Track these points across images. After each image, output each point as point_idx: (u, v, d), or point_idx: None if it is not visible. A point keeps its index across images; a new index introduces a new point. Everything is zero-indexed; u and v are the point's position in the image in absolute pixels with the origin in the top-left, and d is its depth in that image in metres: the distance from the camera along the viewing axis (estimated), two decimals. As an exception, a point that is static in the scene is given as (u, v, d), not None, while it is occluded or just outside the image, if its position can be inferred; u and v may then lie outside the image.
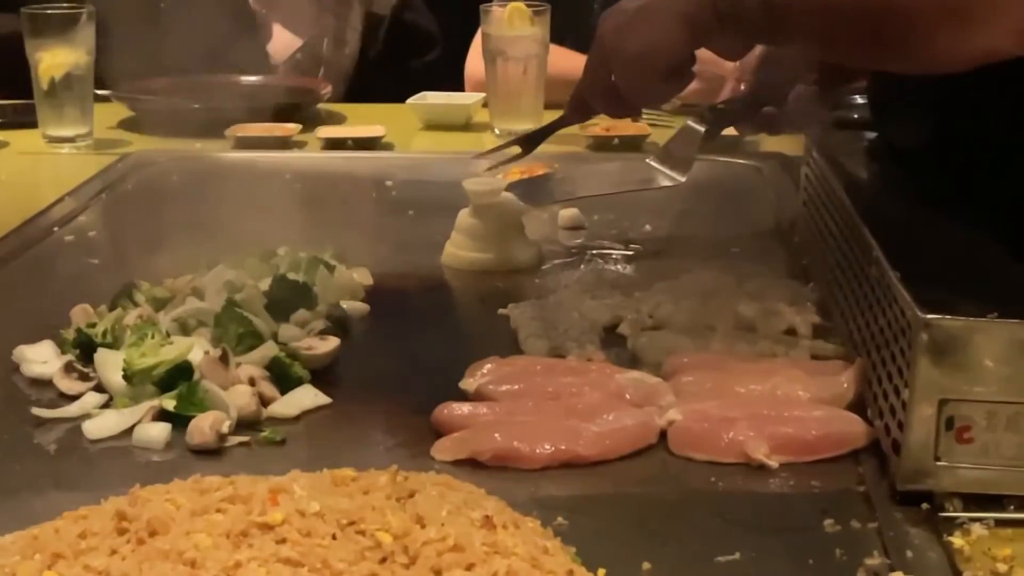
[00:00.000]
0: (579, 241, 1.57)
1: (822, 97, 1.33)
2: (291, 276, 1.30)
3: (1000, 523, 0.90)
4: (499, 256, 1.46)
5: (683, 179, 1.47)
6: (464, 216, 1.48)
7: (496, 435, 1.01)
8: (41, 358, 1.17)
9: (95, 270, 1.45)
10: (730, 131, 1.59)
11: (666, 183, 1.48)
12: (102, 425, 1.06)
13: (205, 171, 1.88)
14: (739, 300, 1.28)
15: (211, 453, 1.02)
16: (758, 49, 1.48)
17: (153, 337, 1.15)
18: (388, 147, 2.04)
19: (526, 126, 2.07)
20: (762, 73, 1.49)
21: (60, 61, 1.98)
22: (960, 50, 1.04)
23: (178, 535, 0.75)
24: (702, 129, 1.44)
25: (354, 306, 1.32)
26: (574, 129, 2.09)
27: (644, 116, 2.11)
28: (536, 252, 1.49)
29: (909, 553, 0.87)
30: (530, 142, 1.50)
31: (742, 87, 1.56)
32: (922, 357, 0.91)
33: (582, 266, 1.48)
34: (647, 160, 1.48)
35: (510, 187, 1.52)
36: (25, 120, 2.08)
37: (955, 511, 0.91)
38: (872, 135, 1.40)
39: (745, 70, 1.55)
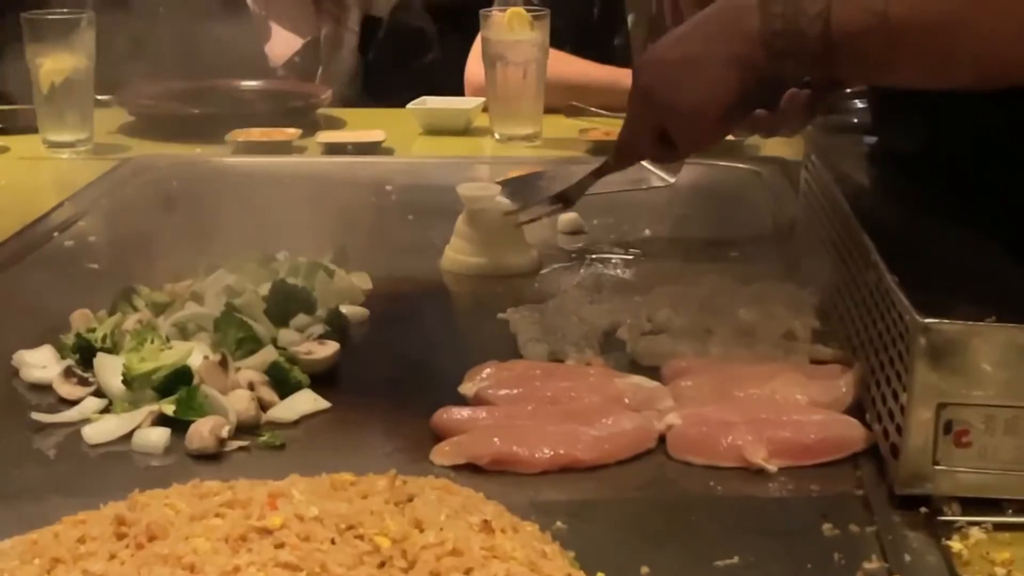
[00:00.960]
0: (578, 245, 1.57)
1: (815, 100, 1.33)
2: (290, 281, 1.30)
3: (998, 527, 0.90)
4: (496, 261, 1.46)
5: (673, 180, 1.48)
6: (463, 221, 1.48)
7: (495, 439, 1.01)
8: (41, 363, 1.17)
9: (95, 275, 1.45)
10: None
11: (657, 184, 1.48)
12: (101, 430, 1.06)
13: (205, 176, 1.88)
14: (738, 304, 1.28)
15: (210, 458, 1.02)
16: None
17: (153, 342, 1.15)
18: (388, 152, 2.04)
19: (526, 130, 2.09)
20: None
21: (60, 66, 1.98)
22: (1016, 66, 1.04)
23: (177, 540, 0.75)
24: None
25: (353, 311, 1.32)
26: (573, 133, 2.11)
27: None
28: (534, 257, 1.49)
29: (907, 557, 0.87)
30: (571, 195, 1.49)
31: None
32: (920, 361, 0.91)
33: (581, 270, 1.48)
34: (640, 161, 1.48)
35: (500, 185, 1.52)
36: (25, 125, 2.08)
37: (953, 515, 0.92)
38: (871, 139, 1.41)
39: None
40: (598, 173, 1.47)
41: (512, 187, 1.52)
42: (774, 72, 1.19)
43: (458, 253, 1.48)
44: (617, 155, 1.43)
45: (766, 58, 1.16)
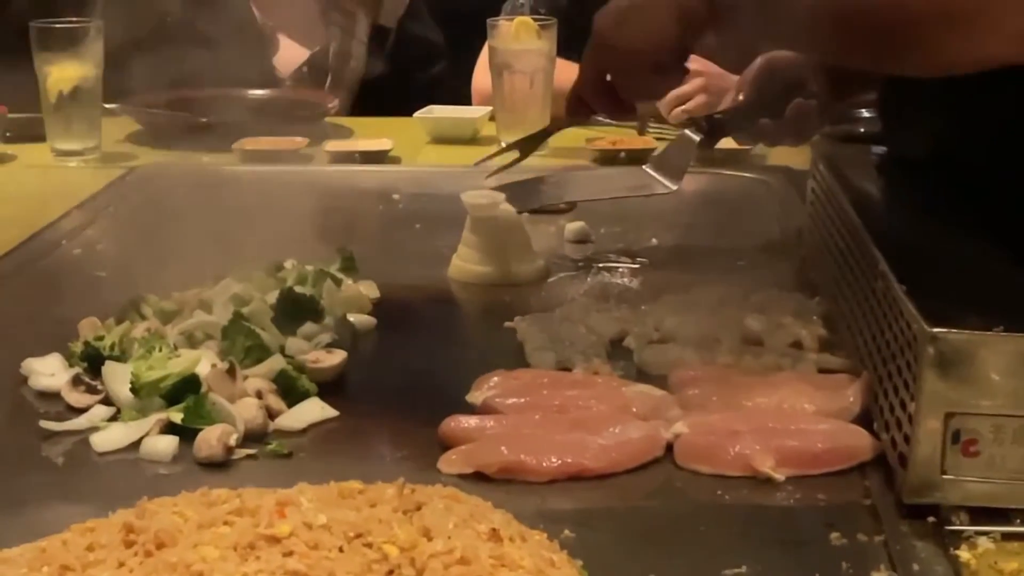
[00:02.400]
0: (585, 254, 1.57)
1: (820, 111, 1.33)
2: (298, 289, 1.30)
3: (1006, 536, 0.90)
4: (502, 270, 1.46)
5: (675, 187, 1.48)
6: (469, 229, 1.49)
7: (503, 448, 1.01)
8: (49, 371, 1.17)
9: (103, 283, 1.46)
10: (729, 142, 1.60)
11: (660, 190, 1.49)
12: (109, 438, 1.06)
13: (213, 184, 1.88)
14: (745, 313, 1.28)
15: (218, 466, 1.02)
16: (758, 60, 1.48)
17: (161, 350, 1.15)
18: (395, 160, 2.04)
19: (532, 139, 2.08)
20: (760, 84, 1.49)
21: (68, 75, 1.99)
22: (961, 54, 1.04)
23: (185, 547, 0.75)
24: (697, 138, 1.45)
25: (361, 319, 1.32)
26: (580, 142, 2.11)
27: (650, 129, 2.12)
28: (541, 266, 1.49)
29: (916, 566, 0.87)
30: (527, 145, 1.50)
31: (740, 97, 1.57)
32: (928, 370, 0.91)
33: (588, 279, 1.49)
34: (643, 167, 1.48)
35: (502, 189, 1.52)
36: (33, 133, 2.08)
37: (961, 524, 0.91)
38: (878, 148, 1.40)
39: (744, 81, 1.56)
40: (553, 127, 1.53)
41: (511, 191, 1.52)
42: (716, 30, 1.24)
43: (465, 262, 1.48)
44: (568, 104, 1.46)
45: (706, 12, 1.22)
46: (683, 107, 2.13)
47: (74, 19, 2.00)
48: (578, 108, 1.45)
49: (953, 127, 1.21)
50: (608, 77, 1.39)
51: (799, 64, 1.43)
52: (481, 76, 2.34)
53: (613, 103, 1.39)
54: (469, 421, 1.07)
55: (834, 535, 0.91)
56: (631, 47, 1.28)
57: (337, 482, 0.86)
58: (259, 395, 1.10)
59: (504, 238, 1.47)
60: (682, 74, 1.35)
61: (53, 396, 1.14)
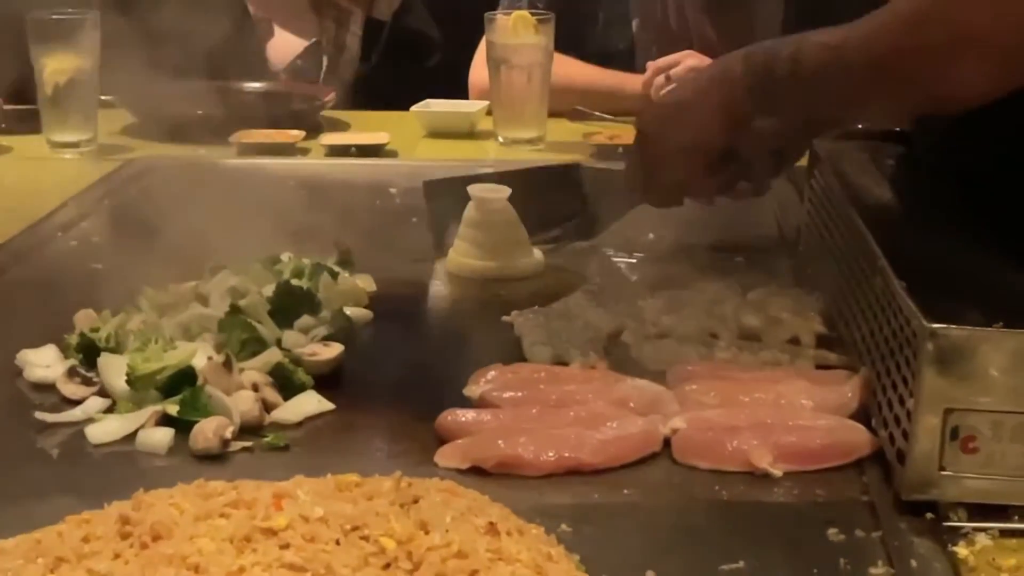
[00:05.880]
0: (584, 248, 1.57)
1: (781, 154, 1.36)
2: (295, 282, 1.30)
3: (1005, 533, 0.90)
4: (501, 263, 1.46)
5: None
6: (467, 223, 1.48)
7: (500, 442, 1.01)
8: (44, 362, 1.17)
9: (99, 275, 1.45)
10: None
11: None
12: (105, 430, 1.06)
13: (209, 177, 1.88)
14: (743, 309, 1.27)
15: (214, 458, 1.02)
16: None
17: (157, 342, 1.15)
18: (392, 154, 2.04)
19: (530, 134, 2.08)
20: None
21: (64, 67, 1.98)
22: (965, 92, 1.08)
23: (182, 540, 0.75)
24: None
25: (357, 312, 1.32)
26: (578, 137, 2.11)
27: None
28: (540, 260, 1.49)
29: (913, 563, 0.86)
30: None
31: None
32: (927, 367, 0.91)
33: (586, 274, 1.48)
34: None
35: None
36: (29, 125, 2.08)
37: (960, 521, 0.91)
38: (877, 145, 1.40)
39: None
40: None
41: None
42: (760, 119, 1.26)
43: (463, 256, 1.48)
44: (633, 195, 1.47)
45: (750, 103, 1.24)
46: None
47: (70, 11, 2.00)
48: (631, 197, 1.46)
49: (951, 124, 1.20)
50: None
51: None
52: (478, 70, 2.33)
53: (662, 197, 1.41)
54: (466, 415, 1.07)
55: (832, 531, 0.91)
56: (681, 149, 1.30)
57: (334, 475, 0.85)
58: (255, 388, 1.10)
59: (503, 232, 1.47)
60: (729, 173, 1.35)
61: (48, 388, 1.14)
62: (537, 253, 1.49)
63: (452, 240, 1.51)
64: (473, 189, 1.49)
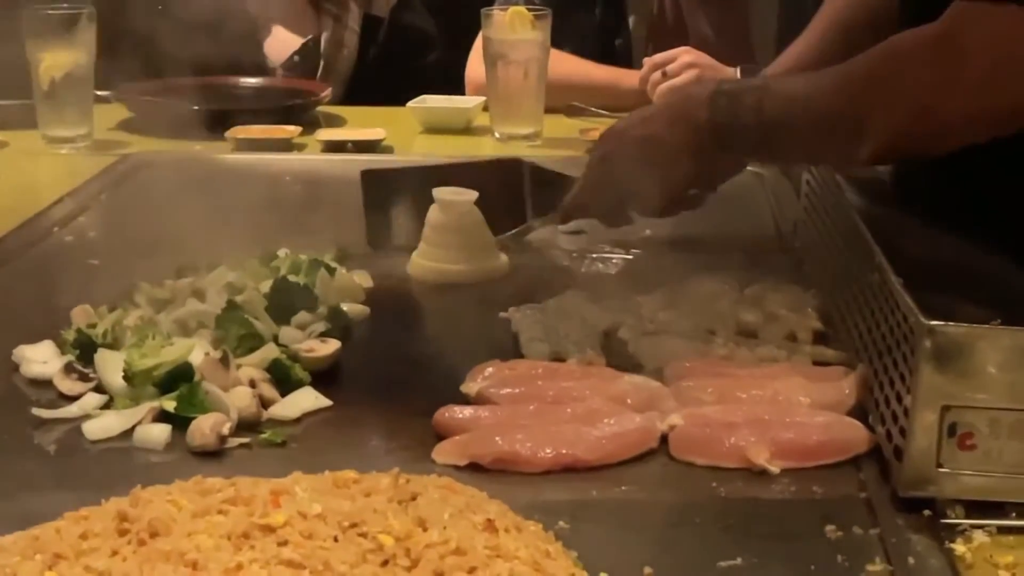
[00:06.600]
0: (580, 245, 1.57)
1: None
2: (292, 278, 1.30)
3: (1002, 530, 0.90)
4: (469, 266, 1.44)
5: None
6: (431, 227, 1.45)
7: (497, 439, 1.01)
8: (41, 358, 1.17)
9: (95, 271, 1.45)
10: None
11: None
12: (102, 426, 1.05)
13: (205, 173, 1.88)
14: (740, 305, 1.28)
15: (211, 455, 1.02)
16: None
17: (154, 338, 1.15)
18: (388, 150, 2.04)
19: (526, 130, 2.08)
20: None
21: (60, 62, 1.98)
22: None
23: (179, 536, 0.75)
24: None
25: (355, 309, 1.32)
26: (574, 132, 2.11)
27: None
28: (505, 262, 1.47)
29: (911, 560, 0.86)
30: (509, 240, 1.52)
31: None
32: (925, 364, 0.91)
33: (583, 270, 1.48)
34: None
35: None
36: (24, 120, 2.07)
37: (957, 518, 0.91)
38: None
39: None
40: (541, 223, 1.54)
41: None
42: (723, 159, 1.36)
43: (428, 260, 1.45)
44: (564, 212, 1.51)
45: (714, 145, 1.31)
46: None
47: (66, 5, 1.99)
48: (575, 215, 1.51)
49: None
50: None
51: None
52: (475, 66, 2.33)
53: (618, 219, 1.48)
54: (464, 411, 1.07)
55: (829, 528, 0.91)
56: (650, 184, 1.36)
57: (331, 472, 0.85)
58: (252, 384, 1.10)
59: (470, 234, 1.45)
60: (693, 201, 1.44)
61: (45, 384, 1.13)
62: (502, 255, 1.47)
63: (385, 231, 1.52)
64: (438, 192, 1.45)
